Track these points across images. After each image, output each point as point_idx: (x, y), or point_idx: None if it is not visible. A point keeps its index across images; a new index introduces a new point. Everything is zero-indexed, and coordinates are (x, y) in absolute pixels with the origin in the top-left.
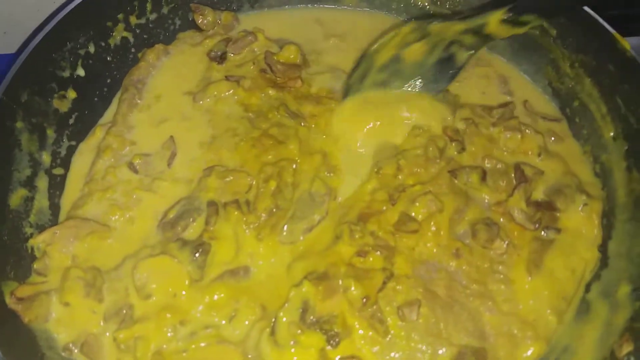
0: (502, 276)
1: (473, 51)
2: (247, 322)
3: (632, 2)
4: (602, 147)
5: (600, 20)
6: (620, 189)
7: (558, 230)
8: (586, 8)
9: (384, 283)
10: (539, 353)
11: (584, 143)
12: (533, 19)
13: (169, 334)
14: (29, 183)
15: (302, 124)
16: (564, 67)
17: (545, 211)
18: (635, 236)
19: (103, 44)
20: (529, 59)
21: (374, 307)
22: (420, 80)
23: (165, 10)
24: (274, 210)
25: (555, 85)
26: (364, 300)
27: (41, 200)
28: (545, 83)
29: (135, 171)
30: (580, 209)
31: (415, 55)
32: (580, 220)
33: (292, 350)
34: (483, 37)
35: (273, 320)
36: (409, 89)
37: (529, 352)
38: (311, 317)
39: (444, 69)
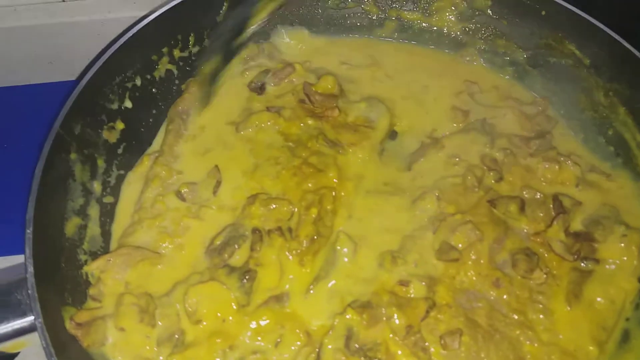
0: (541, 306)
1: None
2: (293, 348)
3: None
4: (638, 176)
5: (633, 49)
6: None
7: (597, 261)
8: (618, 37)
9: (427, 312)
10: None
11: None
12: None
13: (218, 359)
14: (82, 212)
15: (340, 152)
16: (597, 96)
17: (583, 242)
18: None
19: (149, 76)
20: (562, 89)
21: (417, 335)
22: None
23: (206, 43)
24: (315, 237)
25: (589, 114)
26: (407, 329)
27: (93, 228)
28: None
29: (183, 199)
30: (619, 240)
31: None
32: (619, 251)
33: None
34: None
35: (318, 346)
36: None
37: None
38: (355, 345)
39: None
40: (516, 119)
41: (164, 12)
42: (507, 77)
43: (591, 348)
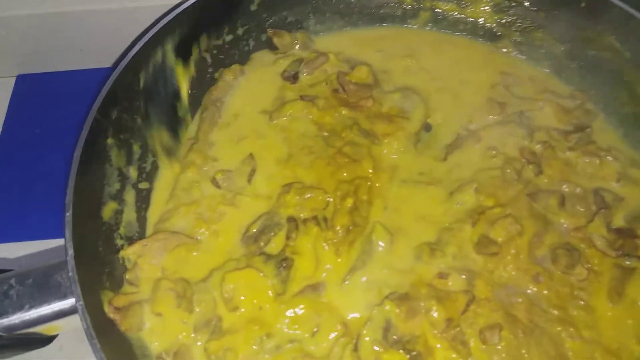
0: (582, 302)
1: None
2: (330, 338)
3: None
4: None
5: None
6: None
7: (639, 258)
8: None
9: (467, 306)
10: None
11: None
12: None
13: (255, 347)
14: (119, 196)
15: (375, 142)
16: (638, 90)
17: (626, 238)
18: None
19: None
20: (601, 83)
21: (457, 329)
22: None
23: (240, 32)
24: (351, 227)
25: (629, 109)
26: (447, 322)
27: (129, 213)
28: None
29: (218, 186)
30: None
31: None
32: None
33: None
34: None
35: (356, 337)
36: None
37: None
38: (393, 337)
39: None
40: (554, 112)
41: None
42: (545, 70)
43: (635, 347)
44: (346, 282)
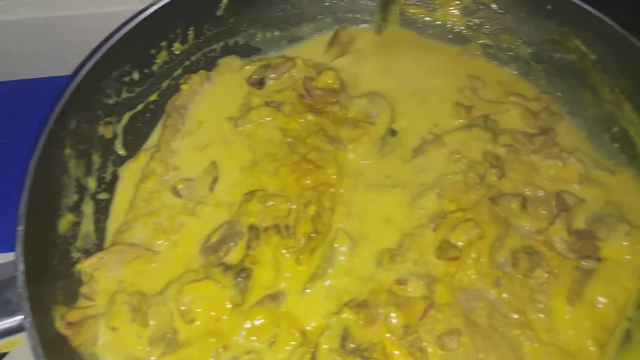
0: (542, 305)
1: None
2: (287, 348)
3: None
4: None
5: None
6: None
7: (599, 260)
8: (625, 32)
9: (425, 312)
10: None
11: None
12: None
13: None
14: (76, 208)
15: (340, 148)
16: (602, 92)
17: (586, 240)
18: None
19: (147, 70)
20: (567, 85)
21: (415, 335)
22: None
23: (206, 36)
24: (313, 235)
25: (594, 111)
26: (405, 328)
27: (87, 225)
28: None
29: (179, 196)
30: (622, 238)
31: None
32: (623, 250)
33: None
34: None
35: (313, 346)
36: None
37: None
38: (351, 345)
39: None
40: (520, 115)
41: (163, 5)
42: (512, 72)
43: (592, 349)
44: (307, 291)
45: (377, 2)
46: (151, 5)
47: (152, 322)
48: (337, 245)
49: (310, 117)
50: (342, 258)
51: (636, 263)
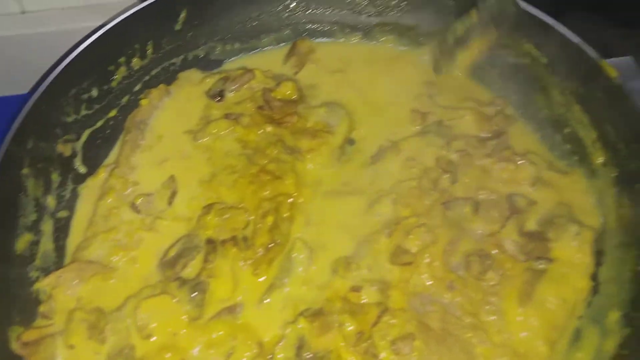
0: (494, 307)
1: None
2: (244, 359)
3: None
4: (592, 174)
5: (587, 48)
6: (610, 215)
7: (550, 261)
8: (574, 37)
9: (379, 317)
10: None
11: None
12: None
13: None
14: (35, 227)
15: (299, 158)
16: (554, 95)
17: (537, 242)
18: (624, 262)
19: (106, 87)
20: (520, 88)
21: (368, 341)
22: None
23: (165, 51)
24: (271, 245)
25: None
26: (358, 335)
27: (46, 244)
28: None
29: (138, 211)
30: (572, 238)
31: None
32: (573, 250)
33: None
34: None
35: (269, 356)
36: None
37: None
38: (306, 353)
39: None
40: (474, 120)
41: (120, 21)
42: (468, 77)
43: (542, 348)
44: (265, 301)
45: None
46: (108, 22)
47: (109, 339)
48: (295, 254)
49: (269, 128)
50: (299, 268)
51: (585, 262)
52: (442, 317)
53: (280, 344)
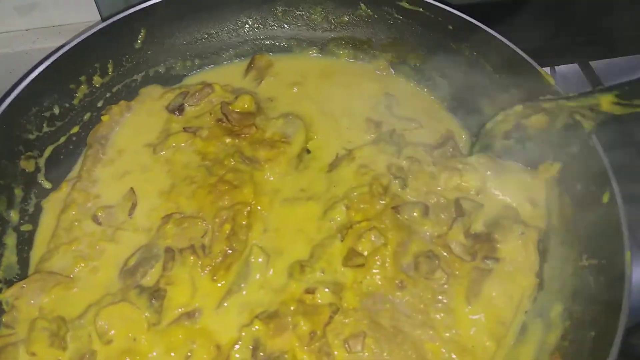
0: (443, 305)
1: (595, 122)
2: None
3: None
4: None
5: (525, 55)
6: (553, 214)
7: (497, 260)
8: (512, 45)
9: (331, 317)
10: None
11: None
12: None
13: None
14: None
15: (257, 168)
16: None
17: (484, 242)
18: (567, 259)
19: (67, 105)
20: (466, 96)
21: (322, 340)
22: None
23: (126, 68)
24: (230, 251)
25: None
26: (311, 335)
27: (9, 257)
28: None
29: (99, 223)
30: (517, 238)
31: (539, 123)
32: (518, 250)
33: None
34: (601, 113)
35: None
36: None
37: None
38: (262, 354)
39: (572, 134)
40: (426, 129)
41: (79, 42)
42: (421, 87)
43: (488, 344)
44: (224, 305)
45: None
46: (68, 42)
47: (70, 346)
48: (252, 260)
49: (227, 139)
50: (256, 273)
51: (531, 261)
52: (393, 316)
53: (236, 346)
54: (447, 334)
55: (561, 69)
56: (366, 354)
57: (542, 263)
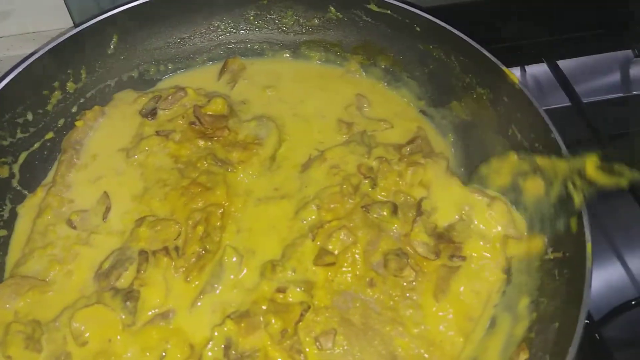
0: (412, 302)
1: (585, 197)
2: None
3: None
4: None
5: (491, 56)
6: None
7: (463, 258)
8: (477, 45)
9: (302, 315)
10: None
11: None
12: (626, 172)
13: None
14: None
15: (230, 169)
16: (467, 100)
17: (447, 242)
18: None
19: (41, 111)
20: (437, 95)
21: (294, 338)
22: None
23: (99, 73)
24: (203, 252)
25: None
26: (282, 333)
27: None
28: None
29: (74, 227)
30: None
31: (535, 189)
32: (485, 247)
33: None
34: (588, 182)
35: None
36: None
37: None
38: (233, 353)
39: (563, 208)
40: (397, 129)
41: (50, 49)
42: (392, 88)
43: (456, 339)
44: (198, 304)
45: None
46: (40, 48)
47: (45, 348)
48: (226, 260)
49: (200, 142)
50: (230, 273)
51: (497, 259)
52: (363, 313)
53: (208, 345)
54: (416, 330)
55: (531, 69)
56: (337, 350)
57: (511, 258)
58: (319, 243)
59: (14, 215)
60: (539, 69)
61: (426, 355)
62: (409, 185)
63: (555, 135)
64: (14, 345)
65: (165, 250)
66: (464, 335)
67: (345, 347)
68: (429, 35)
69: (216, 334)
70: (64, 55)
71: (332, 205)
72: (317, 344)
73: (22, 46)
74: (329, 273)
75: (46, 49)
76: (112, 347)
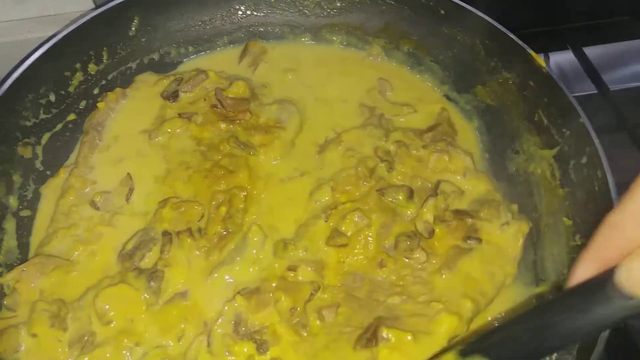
0: (421, 279)
1: None
2: (192, 338)
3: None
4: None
5: (518, 39)
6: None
7: (479, 240)
8: (504, 29)
9: (312, 295)
10: (453, 327)
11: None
12: None
13: (127, 354)
14: None
15: (252, 152)
16: (492, 85)
17: (464, 220)
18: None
19: (63, 92)
20: (460, 81)
21: (302, 316)
22: None
23: (120, 56)
24: (224, 233)
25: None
26: (292, 311)
27: (9, 241)
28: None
29: (97, 208)
30: (503, 225)
31: None
32: (504, 237)
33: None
34: None
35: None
36: None
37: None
38: (243, 329)
39: None
40: (420, 113)
41: (72, 30)
42: (414, 72)
43: (464, 301)
44: (215, 275)
45: None
46: (61, 30)
47: (70, 327)
48: (250, 236)
49: (222, 125)
50: (253, 250)
51: (515, 252)
52: (370, 289)
53: (218, 321)
54: (423, 297)
55: (555, 57)
56: (339, 320)
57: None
58: (331, 224)
59: (37, 195)
60: (562, 57)
61: (430, 313)
62: (432, 171)
63: (585, 120)
64: (40, 324)
65: (189, 231)
66: (473, 301)
67: (348, 315)
68: (454, 18)
69: (226, 308)
70: (86, 37)
71: (347, 188)
72: (320, 316)
73: (44, 28)
74: (341, 254)
75: (68, 30)
76: (134, 327)
